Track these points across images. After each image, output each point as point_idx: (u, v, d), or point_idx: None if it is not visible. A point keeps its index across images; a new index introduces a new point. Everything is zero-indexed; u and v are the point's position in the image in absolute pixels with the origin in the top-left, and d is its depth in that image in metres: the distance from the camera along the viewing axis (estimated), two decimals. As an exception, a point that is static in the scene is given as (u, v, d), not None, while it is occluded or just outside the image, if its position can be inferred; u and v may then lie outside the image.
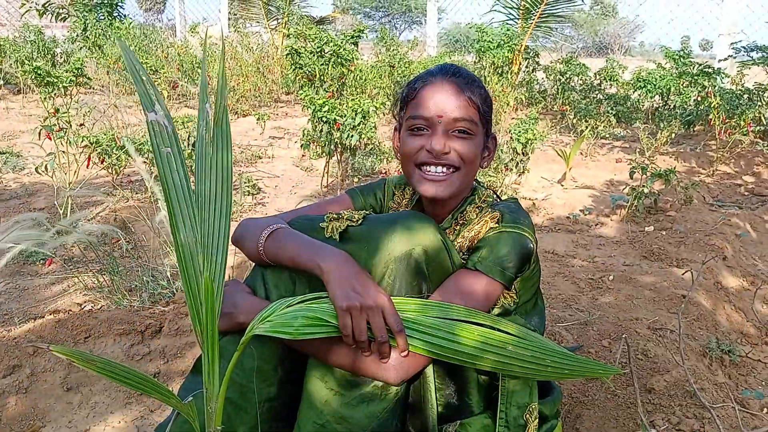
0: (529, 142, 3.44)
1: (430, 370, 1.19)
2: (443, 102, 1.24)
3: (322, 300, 1.10)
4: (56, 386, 1.73)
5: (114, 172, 3.49)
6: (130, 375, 1.01)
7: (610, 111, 6.10)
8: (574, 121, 6.32)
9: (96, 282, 2.25)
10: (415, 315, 1.10)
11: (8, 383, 1.68)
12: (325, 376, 1.14)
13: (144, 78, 1.01)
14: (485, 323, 1.12)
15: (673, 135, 5.56)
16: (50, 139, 3.03)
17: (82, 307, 2.14)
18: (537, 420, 1.22)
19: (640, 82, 7.00)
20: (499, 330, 1.11)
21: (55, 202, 3.12)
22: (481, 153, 1.32)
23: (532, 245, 1.25)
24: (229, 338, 1.21)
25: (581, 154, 5.27)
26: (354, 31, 5.84)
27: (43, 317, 2.04)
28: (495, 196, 1.39)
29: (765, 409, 1.64)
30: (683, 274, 2.50)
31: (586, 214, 3.61)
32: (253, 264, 1.31)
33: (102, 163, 3.32)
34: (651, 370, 1.62)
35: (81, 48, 8.16)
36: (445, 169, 1.26)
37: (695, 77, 6.09)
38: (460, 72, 1.28)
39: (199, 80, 7.12)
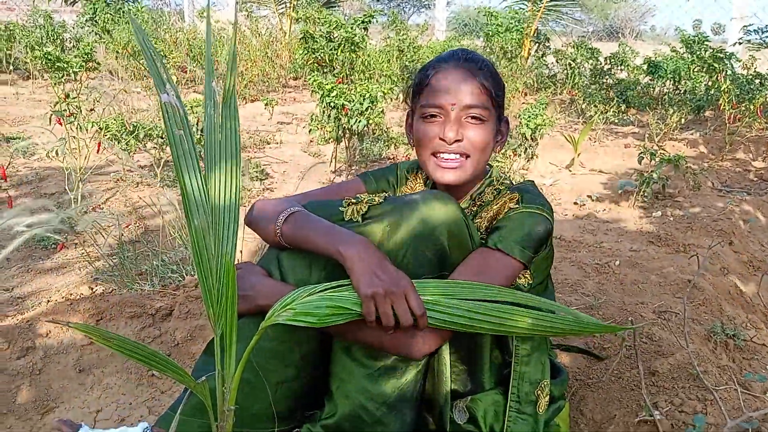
0: (538, 127, 3.43)
1: (445, 348, 1.21)
2: (455, 89, 1.25)
3: (343, 287, 1.11)
4: (69, 368, 1.76)
5: (125, 157, 3.51)
6: (145, 353, 1.04)
7: (620, 97, 6.06)
8: (584, 106, 6.29)
9: (107, 266, 2.28)
10: (436, 297, 1.10)
11: (22, 364, 1.71)
12: (350, 349, 1.17)
13: (156, 60, 1.02)
14: (506, 300, 1.12)
15: (683, 120, 5.52)
16: (61, 124, 3.05)
17: (94, 290, 2.17)
18: (548, 396, 1.25)
19: (651, 67, 6.94)
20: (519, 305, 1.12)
21: (66, 187, 3.15)
22: (494, 137, 1.34)
23: (550, 226, 1.27)
24: (246, 320, 1.22)
25: (590, 139, 5.25)
26: (364, 15, 5.81)
27: (56, 300, 2.07)
28: (511, 180, 1.41)
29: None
30: (689, 258, 2.50)
31: (593, 200, 3.61)
32: (267, 246, 1.33)
33: (113, 148, 3.35)
34: (655, 353, 1.64)
35: (90, 33, 8.17)
36: (458, 156, 1.28)
37: (707, 62, 6.02)
38: (472, 57, 1.29)
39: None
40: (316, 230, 1.18)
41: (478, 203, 1.34)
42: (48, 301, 2.07)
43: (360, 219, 1.20)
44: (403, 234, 1.15)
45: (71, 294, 2.11)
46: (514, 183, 1.38)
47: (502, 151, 3.62)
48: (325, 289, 1.09)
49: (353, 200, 1.24)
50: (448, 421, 1.23)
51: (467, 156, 1.27)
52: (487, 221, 1.30)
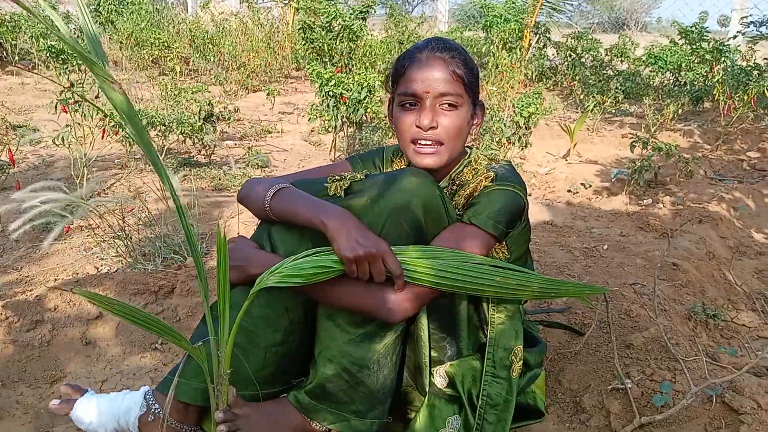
0: (532, 116, 3.50)
1: (423, 315, 1.29)
2: (429, 78, 1.32)
3: (326, 253, 1.20)
4: (76, 340, 1.85)
5: (128, 145, 3.60)
6: (145, 318, 1.12)
7: (619, 87, 6.11)
8: (582, 97, 6.34)
9: (111, 247, 2.37)
10: (414, 259, 1.19)
11: (31, 336, 1.80)
12: (333, 315, 1.26)
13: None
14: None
15: (680, 111, 5.57)
16: (66, 112, 3.13)
17: (99, 270, 2.26)
18: (521, 361, 1.34)
19: (651, 58, 6.98)
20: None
21: (72, 173, 3.24)
22: (470, 121, 1.41)
23: (523, 202, 1.35)
24: (240, 289, 1.32)
25: (588, 130, 5.31)
26: (362, 5, 5.87)
27: (62, 279, 2.16)
28: (489, 160, 1.48)
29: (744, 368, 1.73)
30: (660, 235, 2.58)
31: (587, 188, 3.68)
32: (259, 222, 1.42)
33: (116, 135, 3.43)
34: (631, 328, 1.72)
35: (94, 24, 8.24)
36: (433, 143, 1.35)
37: (706, 53, 6.07)
38: (446, 46, 1.36)
39: (210, 55, 7.06)
40: (301, 204, 1.26)
41: (457, 183, 1.42)
42: (55, 279, 2.17)
43: (343, 194, 1.29)
44: (382, 207, 1.23)
45: (77, 273, 2.21)
46: (493, 163, 1.46)
47: (495, 140, 3.69)
48: (307, 256, 1.18)
49: (337, 177, 1.32)
50: (428, 384, 1.32)
51: (442, 143, 1.34)
52: (464, 199, 1.38)
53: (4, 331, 1.79)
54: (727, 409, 1.35)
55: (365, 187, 1.28)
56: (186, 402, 1.33)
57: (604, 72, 7.06)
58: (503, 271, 1.21)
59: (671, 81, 7.13)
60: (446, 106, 1.33)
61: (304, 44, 5.43)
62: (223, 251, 1.11)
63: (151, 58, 7.29)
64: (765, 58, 5.38)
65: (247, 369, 1.32)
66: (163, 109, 4.54)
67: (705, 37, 6.19)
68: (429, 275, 1.18)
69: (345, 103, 3.50)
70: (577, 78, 6.96)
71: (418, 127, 1.33)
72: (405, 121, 1.35)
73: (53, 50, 5.18)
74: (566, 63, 7.55)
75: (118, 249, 2.34)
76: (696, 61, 6.50)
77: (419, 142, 1.35)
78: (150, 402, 1.35)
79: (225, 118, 4.06)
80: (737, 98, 4.92)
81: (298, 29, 5.68)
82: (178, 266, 2.26)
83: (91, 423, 1.34)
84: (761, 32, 5.89)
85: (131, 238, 2.37)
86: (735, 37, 6.39)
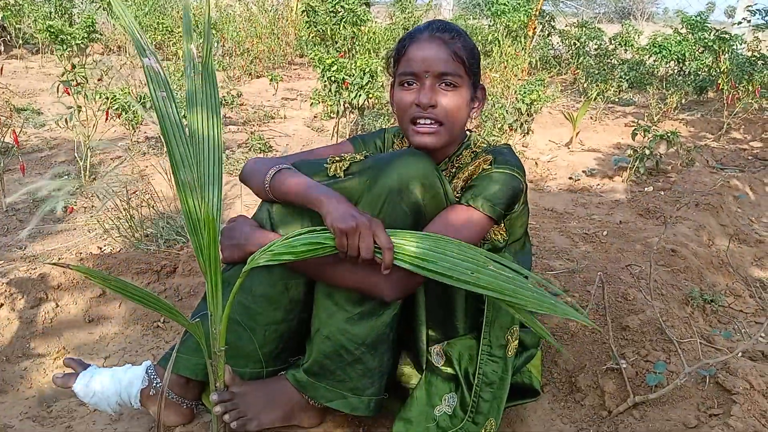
0: (534, 103, 3.50)
1: (420, 294, 1.31)
2: (430, 57, 1.33)
3: (318, 231, 1.21)
4: (79, 318, 1.88)
5: (131, 128, 3.62)
6: (142, 294, 1.13)
7: (624, 76, 6.10)
8: (585, 85, 6.33)
9: (115, 228, 2.39)
10: (407, 242, 1.19)
11: (35, 313, 1.83)
12: (332, 294, 1.28)
13: (136, 27, 1.11)
14: (480, 259, 1.21)
15: (684, 100, 5.56)
16: (68, 94, 3.14)
17: (102, 250, 2.28)
18: (517, 341, 1.35)
19: (655, 47, 6.97)
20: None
21: (76, 155, 3.26)
22: (470, 103, 1.42)
23: (521, 185, 1.36)
24: (239, 267, 1.33)
25: (591, 118, 5.31)
26: (367, -10, 5.85)
27: (66, 258, 2.18)
28: (489, 144, 1.49)
29: (742, 354, 1.75)
30: (660, 222, 2.59)
31: (588, 175, 3.69)
32: (260, 201, 1.43)
33: (119, 117, 3.44)
34: (628, 311, 1.73)
35: (97, 9, 8.23)
36: (433, 122, 1.36)
37: (710, 42, 6.05)
38: (446, 27, 1.37)
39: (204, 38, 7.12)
40: (300, 185, 1.27)
41: (456, 165, 1.43)
42: (59, 258, 2.19)
43: (342, 174, 1.30)
44: (381, 187, 1.24)
45: (80, 252, 2.23)
46: (492, 146, 1.46)
47: (497, 126, 3.69)
48: (301, 234, 1.19)
49: (337, 158, 1.33)
50: (425, 362, 1.34)
51: (441, 123, 1.35)
52: (462, 181, 1.39)
53: (8, 308, 1.82)
54: (720, 389, 1.37)
55: (364, 168, 1.29)
56: (186, 377, 1.35)
57: (608, 61, 7.04)
58: (502, 277, 1.19)
59: (675, 70, 7.11)
60: (446, 86, 1.33)
61: (308, 28, 5.42)
62: (211, 228, 1.12)
63: (154, 43, 7.29)
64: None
65: (247, 346, 1.34)
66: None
67: (706, 27, 6.18)
68: (422, 260, 1.16)
69: (347, 88, 3.51)
70: (581, 67, 6.95)
71: (417, 105, 1.33)
72: (404, 101, 1.36)
73: (52, 31, 5.17)
74: (570, 52, 7.53)
75: (121, 229, 2.36)
76: (700, 50, 6.48)
77: (418, 121, 1.35)
78: (152, 376, 1.37)
79: (228, 103, 4.07)
80: (741, 88, 4.90)
81: (302, 12, 5.66)
82: (180, 246, 2.28)
83: (94, 396, 1.36)
84: (767, 21, 5.86)
85: (134, 218, 2.39)
86: (740, 23, 6.36)
